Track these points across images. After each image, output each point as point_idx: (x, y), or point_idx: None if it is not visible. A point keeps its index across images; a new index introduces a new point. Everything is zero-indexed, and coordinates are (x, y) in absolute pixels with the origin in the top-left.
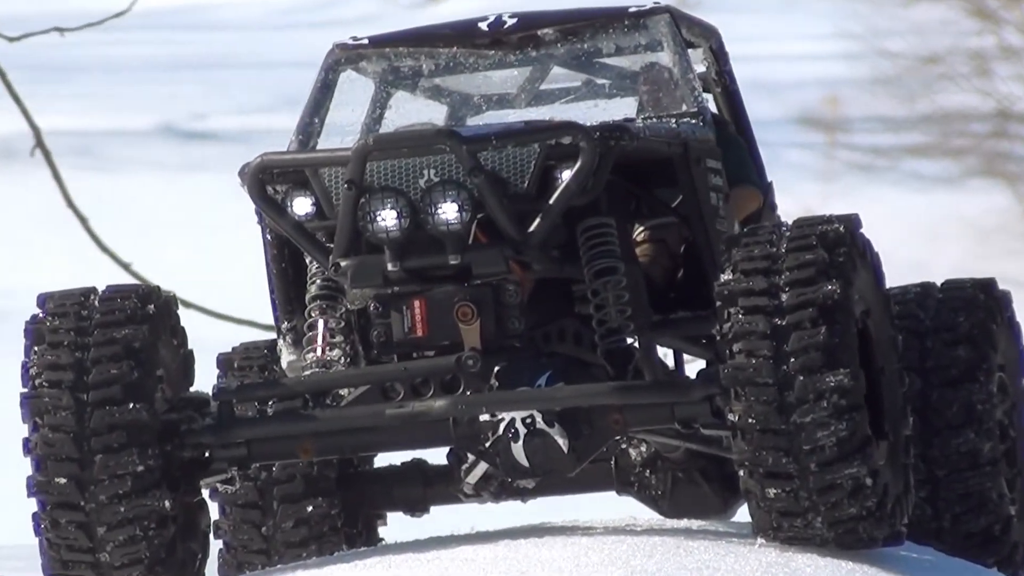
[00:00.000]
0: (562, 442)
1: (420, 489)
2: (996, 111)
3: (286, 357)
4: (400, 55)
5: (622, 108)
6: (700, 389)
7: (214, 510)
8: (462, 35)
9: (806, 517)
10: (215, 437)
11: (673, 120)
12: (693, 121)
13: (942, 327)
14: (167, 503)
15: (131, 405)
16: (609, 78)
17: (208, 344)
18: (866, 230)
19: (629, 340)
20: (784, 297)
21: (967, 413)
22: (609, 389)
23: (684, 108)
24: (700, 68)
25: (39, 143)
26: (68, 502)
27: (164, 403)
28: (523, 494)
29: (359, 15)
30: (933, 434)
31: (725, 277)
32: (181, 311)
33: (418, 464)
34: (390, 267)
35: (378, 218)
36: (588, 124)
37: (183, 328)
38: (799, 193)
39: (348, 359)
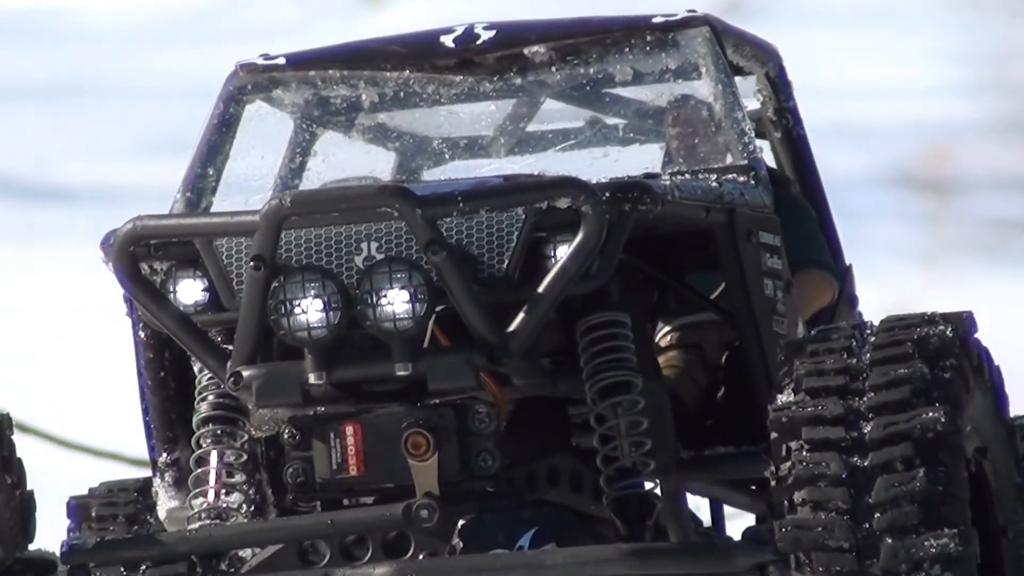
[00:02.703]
0: None
1: None
2: None
3: (165, 503)
4: (330, 81)
5: (642, 159)
6: (747, 555)
7: None
8: (418, 53)
9: None
10: None
11: (714, 177)
12: (742, 179)
13: None
14: None
15: None
16: (624, 116)
17: (55, 484)
18: (983, 334)
19: (648, 485)
20: (867, 428)
21: None
22: (619, 554)
23: (729, 160)
24: (753, 104)
25: None
26: None
27: None
28: None
29: (271, 23)
30: None
31: (784, 398)
32: (17, 437)
33: None
34: (313, 379)
35: (296, 310)
36: (594, 181)
37: (19, 461)
38: (890, 281)
39: (252, 507)
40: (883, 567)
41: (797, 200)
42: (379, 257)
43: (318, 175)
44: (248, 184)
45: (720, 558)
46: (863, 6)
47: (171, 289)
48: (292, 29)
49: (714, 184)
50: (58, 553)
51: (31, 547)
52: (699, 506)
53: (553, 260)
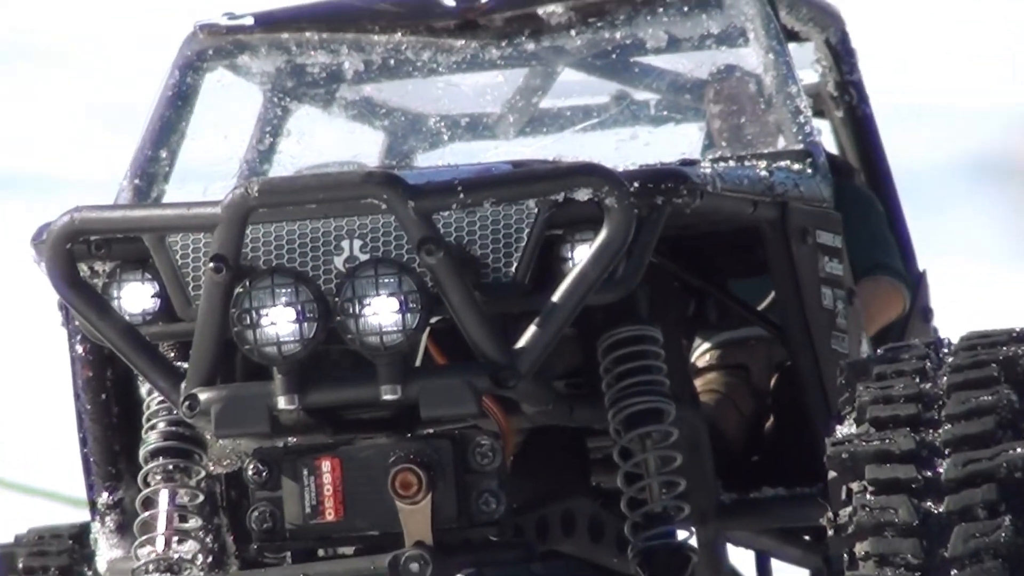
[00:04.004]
0: None
1: None
2: None
3: (106, 552)
4: (306, 45)
5: (678, 142)
6: None
7: None
8: (412, 13)
9: None
10: None
11: (763, 164)
12: (796, 166)
13: None
14: None
15: None
16: (657, 91)
17: None
18: None
19: (682, 534)
20: (943, 466)
21: None
22: None
23: (781, 144)
24: (810, 77)
25: None
26: None
27: None
28: None
29: None
30: None
31: (845, 430)
32: None
33: None
34: (283, 403)
35: (264, 321)
36: (620, 168)
37: None
38: (972, 287)
39: (209, 557)
40: None
41: (862, 193)
42: (363, 258)
43: (292, 159)
44: (208, 169)
45: None
46: None
47: (115, 295)
48: None
49: (763, 173)
50: None
51: None
52: (742, 559)
53: (571, 263)
